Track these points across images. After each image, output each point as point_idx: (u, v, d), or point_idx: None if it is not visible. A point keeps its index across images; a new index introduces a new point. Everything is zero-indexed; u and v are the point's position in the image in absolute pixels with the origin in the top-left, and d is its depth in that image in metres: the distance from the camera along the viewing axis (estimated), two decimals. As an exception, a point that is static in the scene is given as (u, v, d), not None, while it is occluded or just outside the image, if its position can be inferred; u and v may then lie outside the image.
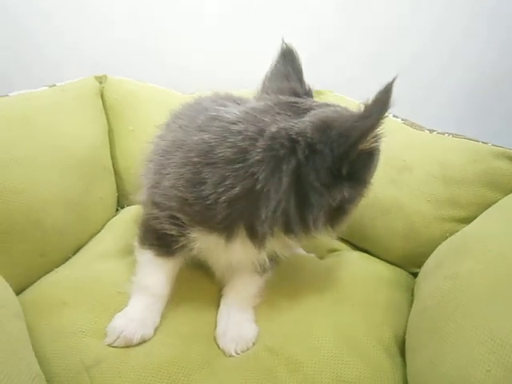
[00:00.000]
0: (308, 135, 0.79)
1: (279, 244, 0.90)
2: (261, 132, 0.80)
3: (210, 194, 0.81)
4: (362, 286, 1.09)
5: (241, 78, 1.64)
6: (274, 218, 0.81)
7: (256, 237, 0.84)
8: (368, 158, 0.86)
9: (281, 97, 0.92)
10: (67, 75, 1.46)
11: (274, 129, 0.80)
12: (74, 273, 1.09)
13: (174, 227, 0.89)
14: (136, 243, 1.00)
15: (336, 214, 0.85)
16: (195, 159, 0.83)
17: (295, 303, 1.01)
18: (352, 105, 1.55)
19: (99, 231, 1.33)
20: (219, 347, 0.92)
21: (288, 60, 1.00)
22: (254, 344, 0.92)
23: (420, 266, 1.16)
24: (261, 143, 0.79)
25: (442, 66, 2.04)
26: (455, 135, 1.27)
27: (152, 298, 0.95)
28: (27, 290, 1.03)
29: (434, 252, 1.10)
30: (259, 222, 0.81)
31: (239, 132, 0.81)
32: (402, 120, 1.42)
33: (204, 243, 0.90)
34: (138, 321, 0.90)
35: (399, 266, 1.26)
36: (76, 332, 0.89)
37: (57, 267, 1.12)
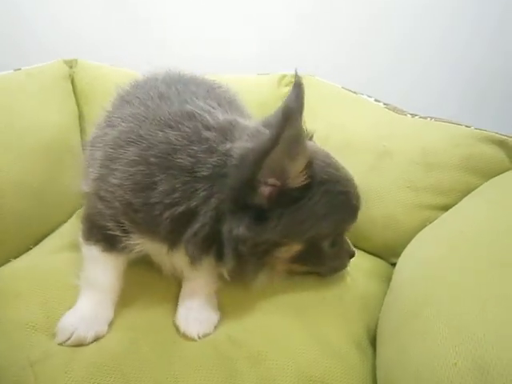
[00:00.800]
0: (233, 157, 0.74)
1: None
2: (220, 146, 0.76)
3: (157, 204, 0.75)
4: (337, 278, 1.03)
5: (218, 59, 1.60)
6: (195, 241, 0.76)
7: (189, 255, 0.79)
8: (300, 199, 0.75)
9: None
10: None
11: (228, 146, 0.75)
12: (33, 264, 1.03)
13: (118, 228, 0.83)
14: (80, 238, 0.94)
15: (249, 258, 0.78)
16: (152, 159, 0.77)
17: (263, 296, 0.95)
18: (333, 90, 1.52)
19: (65, 221, 1.27)
20: (181, 332, 0.84)
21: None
22: (215, 328, 0.87)
23: (399, 256, 1.11)
24: (213, 159, 0.74)
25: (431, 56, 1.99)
26: (438, 119, 1.22)
27: (102, 294, 0.88)
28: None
29: (412, 240, 1.05)
30: (186, 241, 0.77)
31: (206, 140, 0.76)
32: (384, 104, 1.37)
33: (148, 248, 0.87)
34: (89, 319, 0.83)
35: (379, 256, 1.20)
36: (26, 326, 0.84)
37: (16, 257, 1.06)
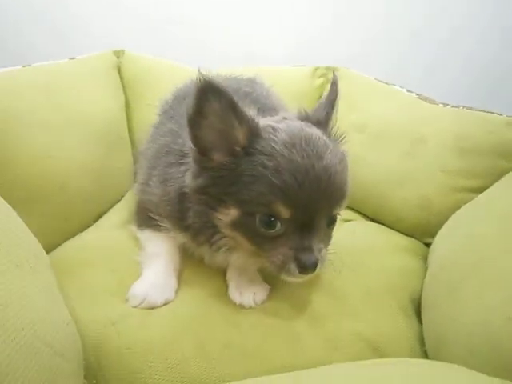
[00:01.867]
0: None
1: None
2: None
3: (172, 188, 0.93)
4: (379, 253, 1.11)
5: (254, 53, 1.67)
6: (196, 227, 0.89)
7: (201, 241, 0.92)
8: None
9: None
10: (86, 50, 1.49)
11: None
12: (97, 238, 1.12)
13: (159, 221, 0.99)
14: (134, 227, 1.09)
15: None
16: (172, 160, 0.96)
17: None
18: (367, 81, 1.59)
19: (118, 201, 1.36)
20: (236, 303, 0.92)
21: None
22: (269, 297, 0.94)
23: (434, 235, 1.18)
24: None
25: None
26: (469, 108, 1.28)
27: (165, 263, 0.97)
28: (52, 253, 1.05)
29: (450, 218, 1.12)
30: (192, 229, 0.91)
31: None
32: (417, 95, 1.43)
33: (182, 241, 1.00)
34: (158, 285, 0.92)
35: (413, 237, 1.27)
36: (101, 290, 0.93)
37: (80, 232, 1.15)
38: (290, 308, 0.91)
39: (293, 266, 0.79)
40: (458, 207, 1.15)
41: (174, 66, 1.65)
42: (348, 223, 1.31)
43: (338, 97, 0.93)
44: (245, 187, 0.77)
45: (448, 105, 1.34)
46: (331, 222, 0.85)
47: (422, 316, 0.93)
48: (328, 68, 1.69)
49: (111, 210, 1.31)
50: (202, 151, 0.80)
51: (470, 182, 1.17)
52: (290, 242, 0.79)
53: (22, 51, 1.73)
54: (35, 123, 1.07)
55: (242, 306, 0.91)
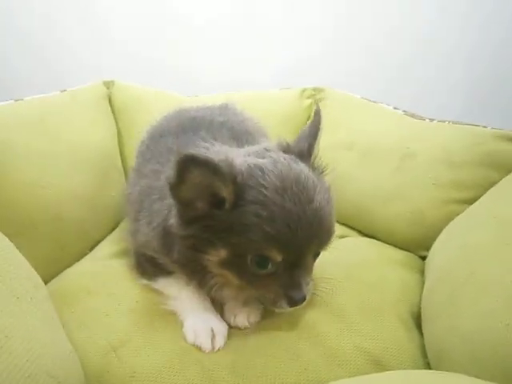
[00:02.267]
0: None
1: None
2: None
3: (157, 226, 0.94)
4: (375, 267, 1.12)
5: (240, 79, 1.70)
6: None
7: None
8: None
9: None
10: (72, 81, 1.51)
11: None
12: (94, 266, 1.12)
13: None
14: (143, 280, 1.03)
15: None
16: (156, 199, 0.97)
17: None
18: (353, 100, 1.62)
19: (114, 229, 1.36)
20: (231, 325, 0.92)
21: None
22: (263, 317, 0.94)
23: (428, 248, 1.20)
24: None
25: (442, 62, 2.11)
26: (455, 122, 1.31)
27: (200, 304, 0.95)
28: (50, 283, 1.05)
29: (443, 230, 1.14)
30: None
31: None
32: (403, 111, 1.47)
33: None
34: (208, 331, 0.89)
35: (407, 250, 1.28)
36: (100, 316, 0.93)
37: (76, 261, 1.15)
38: (289, 328, 0.91)
39: (283, 302, 0.83)
40: (451, 219, 1.17)
41: (162, 94, 1.68)
42: (342, 239, 1.32)
43: (321, 127, 0.94)
44: (236, 234, 0.77)
45: (434, 120, 1.37)
46: (317, 255, 0.89)
47: (423, 328, 0.93)
48: (315, 89, 1.73)
49: (107, 238, 1.31)
50: (186, 204, 0.80)
51: (462, 194, 1.19)
52: (280, 280, 0.82)
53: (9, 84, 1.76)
54: (30, 155, 1.08)
55: (237, 327, 0.92)
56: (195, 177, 0.74)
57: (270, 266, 0.80)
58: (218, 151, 0.89)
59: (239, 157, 0.84)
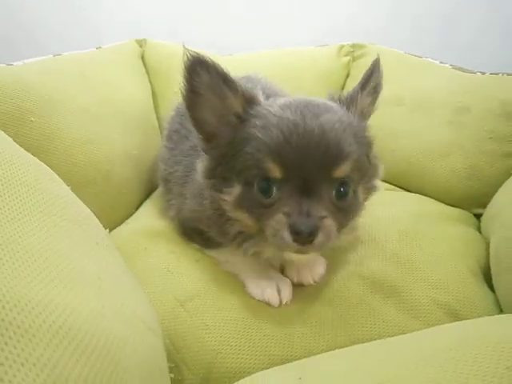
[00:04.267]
0: None
1: None
2: None
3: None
4: (433, 222, 1.08)
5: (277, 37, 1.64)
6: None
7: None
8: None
9: None
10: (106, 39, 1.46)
11: None
12: (145, 225, 1.09)
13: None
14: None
15: None
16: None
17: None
18: (397, 55, 1.56)
19: (155, 189, 1.33)
20: (295, 283, 0.87)
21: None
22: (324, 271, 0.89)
23: (484, 205, 1.16)
24: None
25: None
26: (510, 73, 1.25)
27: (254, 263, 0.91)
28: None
29: (503, 188, 1.10)
30: None
31: None
32: (451, 65, 1.41)
33: None
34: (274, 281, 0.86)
35: (459, 207, 1.23)
36: (165, 270, 0.91)
37: (125, 220, 1.13)
38: (359, 282, 0.88)
39: (286, 234, 0.69)
40: (509, 174, 1.13)
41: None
42: (393, 192, 1.28)
43: (375, 78, 0.87)
44: (240, 155, 0.74)
45: (486, 73, 1.31)
46: (339, 189, 0.73)
47: (495, 281, 0.90)
48: (354, 45, 1.67)
49: (150, 198, 1.28)
50: (207, 137, 0.79)
51: (521, 148, 1.14)
52: (285, 207, 0.70)
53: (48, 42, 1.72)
54: (74, 110, 1.04)
55: (301, 284, 0.88)
56: (205, 83, 0.72)
57: (274, 190, 0.72)
58: None
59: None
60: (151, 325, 0.59)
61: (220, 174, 0.79)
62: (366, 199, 0.84)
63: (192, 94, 0.74)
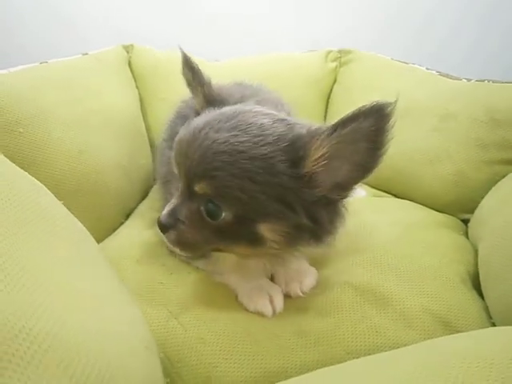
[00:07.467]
0: None
1: None
2: None
3: None
4: (426, 228, 1.09)
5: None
6: None
7: None
8: None
9: None
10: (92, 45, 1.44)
11: None
12: (135, 236, 1.08)
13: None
14: None
15: None
16: None
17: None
18: (383, 61, 1.57)
19: (144, 198, 1.32)
20: (284, 293, 0.88)
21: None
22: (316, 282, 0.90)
23: (471, 211, 1.17)
24: None
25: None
26: (495, 81, 1.27)
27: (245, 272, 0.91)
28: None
29: (491, 193, 1.11)
30: None
31: None
32: (437, 72, 1.42)
33: None
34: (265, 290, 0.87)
35: (447, 213, 1.25)
36: (154, 284, 0.89)
37: (113, 231, 1.11)
38: (352, 292, 0.87)
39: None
40: (495, 180, 1.14)
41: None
42: (382, 198, 1.29)
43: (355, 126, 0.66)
44: None
45: (471, 79, 1.33)
46: (207, 205, 0.73)
47: (484, 288, 0.91)
48: (340, 51, 1.67)
49: (139, 207, 1.27)
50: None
51: (507, 154, 1.16)
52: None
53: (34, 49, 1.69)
54: (63, 119, 1.02)
55: (288, 295, 0.88)
56: (184, 74, 0.92)
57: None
58: None
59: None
60: (145, 341, 0.58)
61: None
62: (282, 243, 0.77)
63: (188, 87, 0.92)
